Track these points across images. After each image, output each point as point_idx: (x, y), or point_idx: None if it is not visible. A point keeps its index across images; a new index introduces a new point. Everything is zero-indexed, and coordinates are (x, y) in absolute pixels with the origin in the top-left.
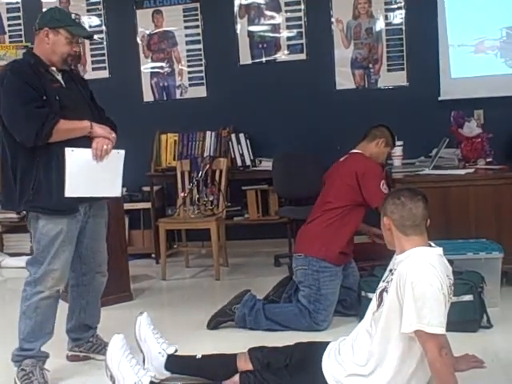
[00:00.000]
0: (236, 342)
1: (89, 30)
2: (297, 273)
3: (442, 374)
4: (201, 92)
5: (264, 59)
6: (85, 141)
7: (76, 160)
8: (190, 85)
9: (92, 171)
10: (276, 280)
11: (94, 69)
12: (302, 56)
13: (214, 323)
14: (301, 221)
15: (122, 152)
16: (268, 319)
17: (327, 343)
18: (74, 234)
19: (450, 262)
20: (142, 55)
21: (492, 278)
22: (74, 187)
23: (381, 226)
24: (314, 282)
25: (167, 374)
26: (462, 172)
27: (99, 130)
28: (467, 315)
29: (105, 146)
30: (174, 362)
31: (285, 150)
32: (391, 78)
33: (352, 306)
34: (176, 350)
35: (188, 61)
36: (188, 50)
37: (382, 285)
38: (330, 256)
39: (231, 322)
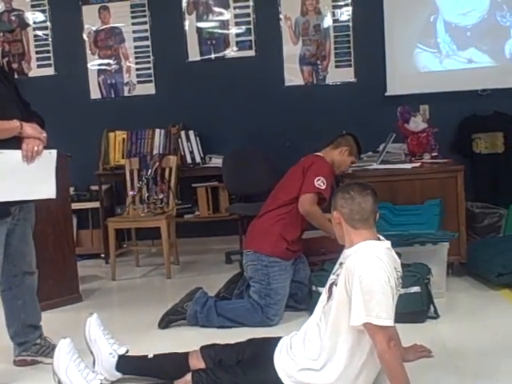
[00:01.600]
0: (188, 340)
1: (32, 25)
2: (247, 269)
3: (391, 365)
4: (149, 89)
5: (213, 56)
6: (14, 141)
7: (5, 162)
8: (139, 82)
9: (23, 173)
10: (227, 277)
11: (38, 66)
12: (251, 52)
13: (166, 322)
14: (251, 217)
15: (54, 152)
16: (220, 316)
17: (279, 338)
18: (2, 238)
19: (398, 254)
20: (88, 52)
21: (438, 269)
22: (5, 191)
23: (332, 221)
24: (264, 277)
25: (118, 375)
26: (409, 166)
27: (29, 129)
28: (415, 306)
29: (36, 147)
30: (125, 363)
31: (235, 147)
32: (339, 74)
33: (303, 300)
34: (127, 351)
35: (136, 57)
36: (136, 47)
37: (331, 278)
38: (278, 251)
39: (183, 320)
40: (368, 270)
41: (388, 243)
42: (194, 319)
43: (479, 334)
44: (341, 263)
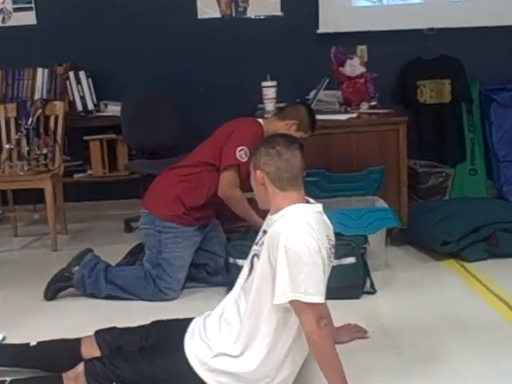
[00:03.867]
0: (82, 322)
1: None
2: (141, 232)
3: (320, 347)
4: (29, 18)
5: None
6: None
7: None
8: (15, 9)
9: None
10: (127, 248)
11: None
12: None
13: (52, 291)
14: (155, 176)
15: None
16: (109, 282)
17: (190, 319)
18: None
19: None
20: None
21: (375, 237)
22: None
23: (251, 181)
24: (156, 244)
25: None
26: (344, 117)
27: None
28: (349, 280)
29: None
30: (2, 353)
31: (136, 92)
32: (263, 7)
33: (217, 272)
34: (4, 338)
35: None
36: None
37: (254, 249)
38: (172, 216)
39: (72, 287)
40: (296, 237)
41: (319, 206)
42: (81, 286)
43: (420, 310)
44: (264, 231)
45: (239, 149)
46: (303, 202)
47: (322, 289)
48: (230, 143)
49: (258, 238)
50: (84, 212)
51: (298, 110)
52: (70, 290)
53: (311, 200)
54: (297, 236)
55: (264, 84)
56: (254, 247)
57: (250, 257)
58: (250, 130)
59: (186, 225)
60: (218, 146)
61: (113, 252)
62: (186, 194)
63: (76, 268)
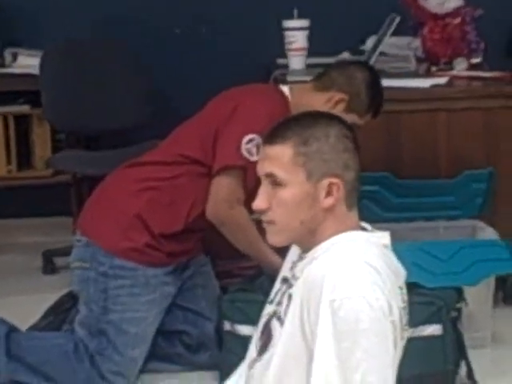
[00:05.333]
0: None
1: None
2: (73, 274)
3: None
4: None
5: None
6: None
7: None
8: None
9: None
10: (48, 300)
11: None
12: None
13: None
14: (99, 180)
15: None
16: (12, 359)
17: None
18: None
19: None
20: None
21: (478, 291)
22: None
23: (284, 204)
24: (98, 296)
25: None
26: (426, 84)
27: None
28: (431, 364)
29: None
30: None
31: (67, 34)
32: None
33: (203, 345)
34: None
35: None
36: None
37: (269, 309)
38: (131, 251)
39: None
40: (351, 287)
41: (385, 236)
42: None
43: None
44: (286, 280)
45: (246, 139)
46: (357, 229)
47: (390, 378)
48: (231, 129)
49: (277, 289)
50: None
51: (350, 78)
52: None
53: (365, 225)
54: (352, 285)
55: (287, 24)
56: (270, 307)
57: (263, 322)
58: (265, 106)
59: (150, 264)
60: (211, 132)
61: (23, 307)
62: (152, 211)
63: None
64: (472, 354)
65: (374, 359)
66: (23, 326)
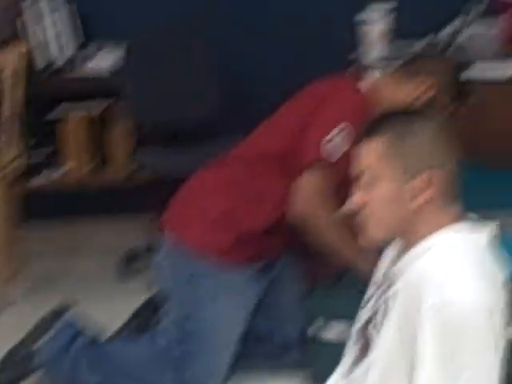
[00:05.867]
0: None
1: None
2: (160, 276)
3: None
4: None
5: None
6: None
7: None
8: None
9: None
10: (129, 305)
11: None
12: None
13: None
14: (183, 179)
15: None
16: (95, 371)
17: None
18: None
19: None
20: None
21: None
22: None
23: (378, 201)
24: (186, 297)
25: None
26: (508, 72)
27: None
28: None
29: None
30: None
31: (149, 24)
32: None
33: (288, 349)
34: None
35: None
36: None
37: (364, 315)
38: (217, 251)
39: (33, 372)
40: (455, 290)
41: (491, 230)
42: (50, 373)
43: None
44: (382, 283)
45: (334, 133)
46: (459, 223)
47: (495, 382)
48: (317, 124)
49: (370, 295)
50: (54, 240)
51: (434, 65)
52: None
53: (472, 216)
54: (456, 288)
55: (363, 16)
56: (365, 312)
57: (358, 328)
58: (350, 101)
59: (236, 266)
60: (298, 127)
61: (103, 311)
62: (242, 211)
63: (40, 342)
64: None
65: (478, 364)
66: (108, 329)
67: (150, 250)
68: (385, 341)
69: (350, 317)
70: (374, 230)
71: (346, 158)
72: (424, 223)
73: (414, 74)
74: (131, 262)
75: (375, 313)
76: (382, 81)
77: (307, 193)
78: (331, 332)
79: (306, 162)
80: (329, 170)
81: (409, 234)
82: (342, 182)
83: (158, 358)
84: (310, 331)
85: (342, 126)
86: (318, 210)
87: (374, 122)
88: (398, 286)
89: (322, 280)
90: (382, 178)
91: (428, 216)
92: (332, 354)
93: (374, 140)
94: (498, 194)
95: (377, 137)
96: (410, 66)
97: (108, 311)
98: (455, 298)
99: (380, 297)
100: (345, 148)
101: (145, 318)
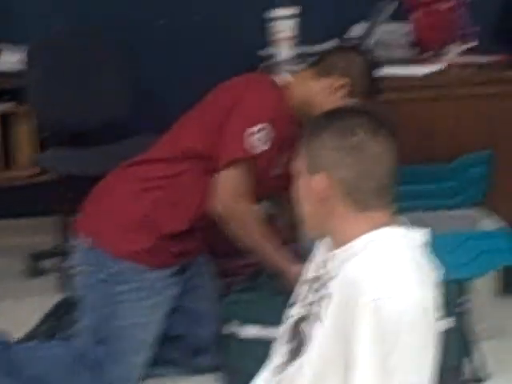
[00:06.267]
0: None
1: None
2: (76, 279)
3: None
4: None
5: None
6: None
7: None
8: None
9: None
10: (39, 305)
11: None
12: None
13: None
14: (90, 180)
15: None
16: (11, 376)
17: None
18: None
19: None
20: None
21: (481, 284)
22: None
23: (294, 192)
24: (105, 302)
25: None
26: (421, 71)
27: None
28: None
29: None
30: None
31: (53, 25)
32: None
33: (203, 350)
34: None
35: None
36: None
37: (294, 312)
38: (136, 251)
39: None
40: (391, 286)
41: (424, 234)
42: None
43: None
44: (317, 278)
45: (255, 129)
46: (393, 225)
47: (431, 377)
48: (235, 121)
49: (301, 292)
50: None
51: (351, 62)
52: None
53: (402, 220)
54: (394, 284)
55: (276, 13)
56: (296, 309)
57: (289, 326)
58: (268, 96)
59: (156, 266)
60: (215, 125)
61: (11, 312)
62: (159, 211)
63: None
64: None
65: (414, 360)
66: (14, 331)
67: (56, 250)
68: (320, 339)
69: (265, 321)
70: (306, 226)
71: (265, 157)
72: (344, 224)
73: (328, 70)
74: (37, 262)
75: (309, 311)
76: (295, 78)
77: (226, 186)
78: (247, 332)
79: (228, 158)
80: (247, 165)
81: (337, 233)
82: (258, 180)
83: (74, 361)
84: (226, 331)
85: (262, 124)
86: (236, 204)
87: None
88: (334, 282)
89: (237, 281)
90: (298, 174)
91: (349, 220)
92: (249, 352)
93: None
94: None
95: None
96: (322, 63)
97: (17, 309)
98: (392, 293)
99: (314, 294)
100: (265, 147)
101: (56, 320)
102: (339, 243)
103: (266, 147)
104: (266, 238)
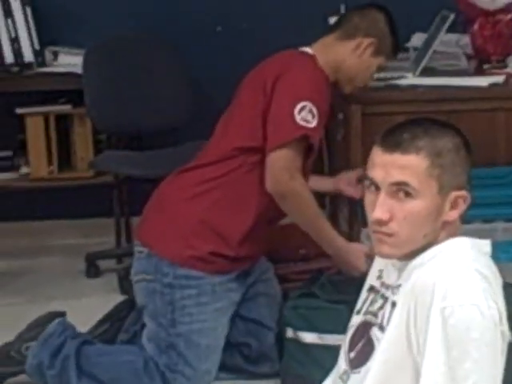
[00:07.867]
0: None
1: None
2: (136, 287)
3: None
4: None
5: None
6: None
7: None
8: None
9: None
10: (97, 305)
11: None
12: None
13: None
14: (148, 182)
15: None
16: (84, 375)
17: None
18: None
19: None
20: None
21: None
22: None
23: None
24: (166, 309)
25: None
26: (482, 82)
27: None
28: None
29: None
30: None
31: (109, 31)
32: None
33: (263, 357)
34: None
35: None
36: None
37: (359, 319)
38: (195, 257)
39: (22, 373)
40: (462, 295)
41: (487, 244)
42: (37, 375)
43: None
44: (380, 287)
45: (299, 105)
46: (459, 235)
47: None
48: (279, 99)
49: (364, 298)
50: (14, 239)
51: (370, 21)
52: (22, 377)
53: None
54: (464, 293)
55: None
56: (360, 316)
57: (352, 332)
58: (306, 70)
59: (216, 272)
60: (258, 114)
61: (69, 311)
62: (219, 212)
63: (30, 344)
64: None
65: (483, 370)
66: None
67: (114, 251)
68: (388, 343)
69: (322, 328)
70: (398, 246)
71: (316, 132)
72: (440, 240)
73: (351, 32)
74: (96, 263)
75: (374, 316)
76: (317, 47)
77: (280, 165)
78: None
79: (279, 141)
80: (299, 143)
81: (424, 249)
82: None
83: (146, 366)
84: (289, 334)
85: (306, 101)
86: (292, 181)
87: (397, 132)
88: (407, 289)
89: (294, 287)
90: (417, 195)
91: (444, 233)
92: (312, 359)
93: (410, 154)
94: None
95: (412, 153)
96: (344, 26)
97: (75, 309)
98: (464, 302)
99: (377, 301)
100: (314, 121)
101: (117, 321)
102: (415, 252)
103: (314, 123)
104: (320, 214)
